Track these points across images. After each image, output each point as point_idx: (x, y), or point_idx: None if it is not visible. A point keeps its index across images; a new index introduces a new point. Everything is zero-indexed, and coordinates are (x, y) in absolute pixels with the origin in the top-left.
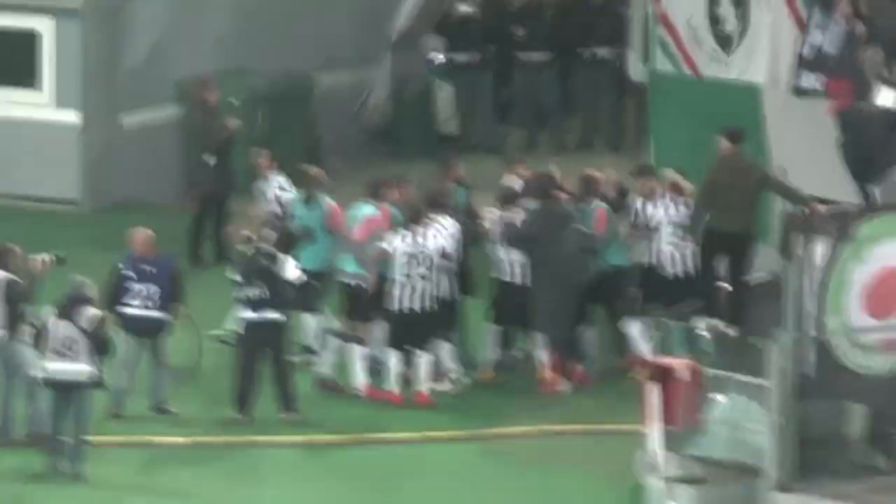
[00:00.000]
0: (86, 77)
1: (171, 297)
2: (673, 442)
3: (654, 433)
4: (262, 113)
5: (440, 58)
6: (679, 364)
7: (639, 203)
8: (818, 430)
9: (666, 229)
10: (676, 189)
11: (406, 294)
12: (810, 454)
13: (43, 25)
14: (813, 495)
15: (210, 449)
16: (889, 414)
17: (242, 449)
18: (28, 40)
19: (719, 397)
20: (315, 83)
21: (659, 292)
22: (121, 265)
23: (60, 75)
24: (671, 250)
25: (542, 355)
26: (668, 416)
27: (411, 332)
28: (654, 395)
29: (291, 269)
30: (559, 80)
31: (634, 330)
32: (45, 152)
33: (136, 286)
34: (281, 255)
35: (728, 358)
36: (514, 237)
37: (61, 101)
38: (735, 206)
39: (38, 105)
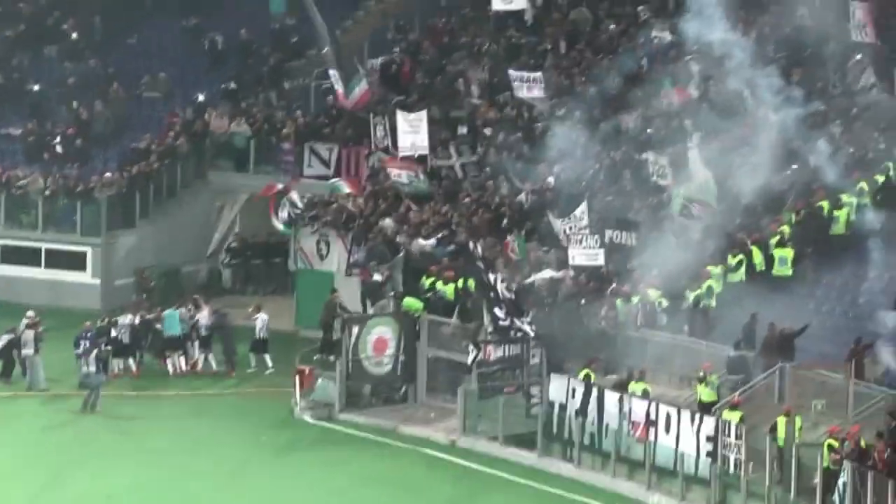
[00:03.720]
0: None
1: None
2: (304, 395)
3: (298, 392)
4: None
5: None
6: (307, 371)
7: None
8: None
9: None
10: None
11: None
12: (355, 398)
13: None
14: (356, 415)
15: None
16: (381, 384)
17: None
18: None
19: (321, 379)
20: None
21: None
22: None
23: None
24: None
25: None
26: (303, 386)
27: None
28: (297, 379)
29: None
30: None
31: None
32: None
33: None
34: None
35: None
36: None
37: None
38: (323, 317)
39: None
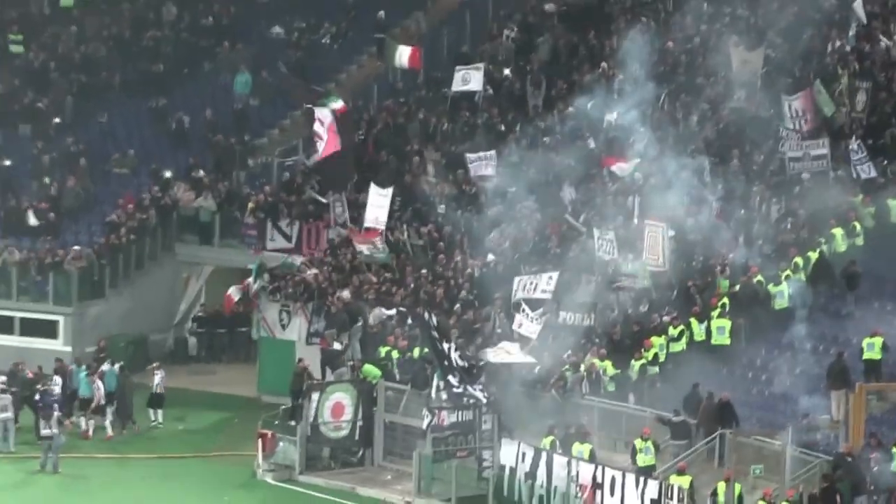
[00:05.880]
0: None
1: None
2: (266, 457)
3: (260, 455)
4: None
5: None
6: (269, 435)
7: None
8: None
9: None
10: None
11: None
12: (314, 460)
13: None
14: (316, 476)
15: None
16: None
17: None
18: None
19: (282, 442)
20: None
21: None
22: None
23: None
24: None
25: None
26: (265, 449)
27: None
28: (260, 442)
29: None
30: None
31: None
32: None
33: None
34: None
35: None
36: None
37: None
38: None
39: None
